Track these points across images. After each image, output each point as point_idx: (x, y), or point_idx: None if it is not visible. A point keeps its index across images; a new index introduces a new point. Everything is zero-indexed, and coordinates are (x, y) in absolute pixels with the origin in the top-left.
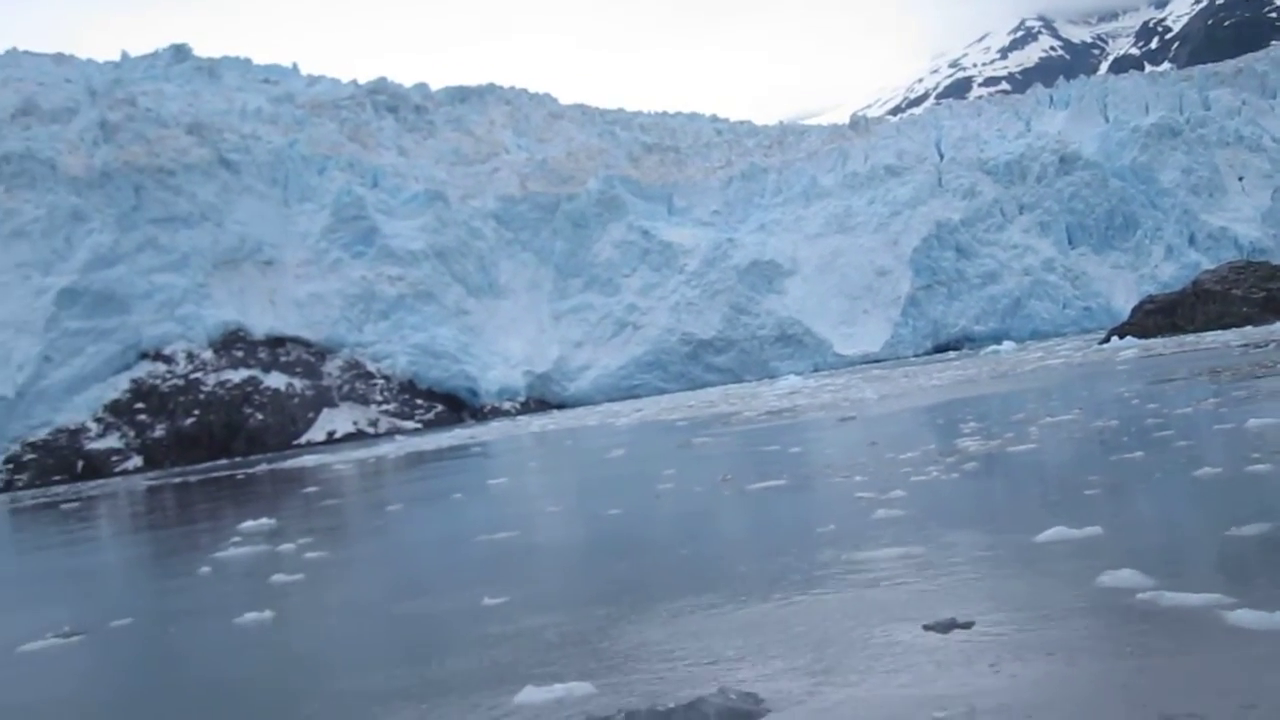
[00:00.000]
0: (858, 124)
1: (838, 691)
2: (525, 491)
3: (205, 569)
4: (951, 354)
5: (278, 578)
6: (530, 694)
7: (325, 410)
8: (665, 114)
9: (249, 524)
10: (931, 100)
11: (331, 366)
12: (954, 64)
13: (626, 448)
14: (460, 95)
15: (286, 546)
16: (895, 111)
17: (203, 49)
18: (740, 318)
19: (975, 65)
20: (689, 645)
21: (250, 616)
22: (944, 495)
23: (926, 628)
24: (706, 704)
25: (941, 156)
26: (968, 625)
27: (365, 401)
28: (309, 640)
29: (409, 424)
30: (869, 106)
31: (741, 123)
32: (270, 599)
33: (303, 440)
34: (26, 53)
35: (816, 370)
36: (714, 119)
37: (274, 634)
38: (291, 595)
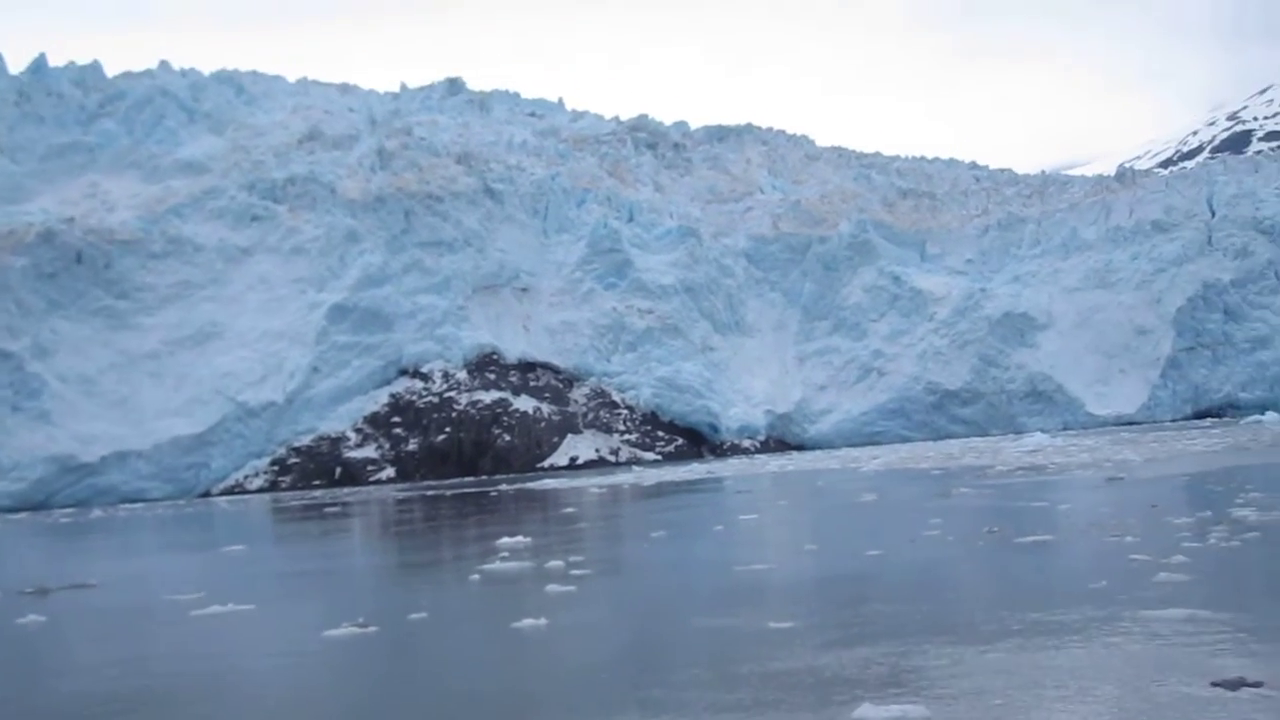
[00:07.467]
0: (1124, 176)
1: None
2: (779, 528)
3: (475, 577)
4: (1208, 421)
5: (551, 588)
6: (867, 711)
7: (569, 436)
8: (923, 159)
9: (507, 540)
10: (1205, 154)
11: (578, 393)
12: (1233, 116)
13: (877, 493)
14: (718, 134)
15: (555, 563)
16: (1166, 164)
17: (475, 82)
18: (989, 370)
19: (1256, 119)
20: (995, 683)
21: (527, 622)
22: (1228, 562)
23: (1214, 684)
24: None
25: (1213, 214)
26: (1257, 685)
27: (608, 430)
28: (599, 647)
29: (649, 455)
30: (1137, 158)
31: (1001, 170)
32: (544, 608)
33: (546, 463)
34: (315, 82)
35: (1066, 429)
36: (973, 166)
37: (553, 640)
38: (567, 606)
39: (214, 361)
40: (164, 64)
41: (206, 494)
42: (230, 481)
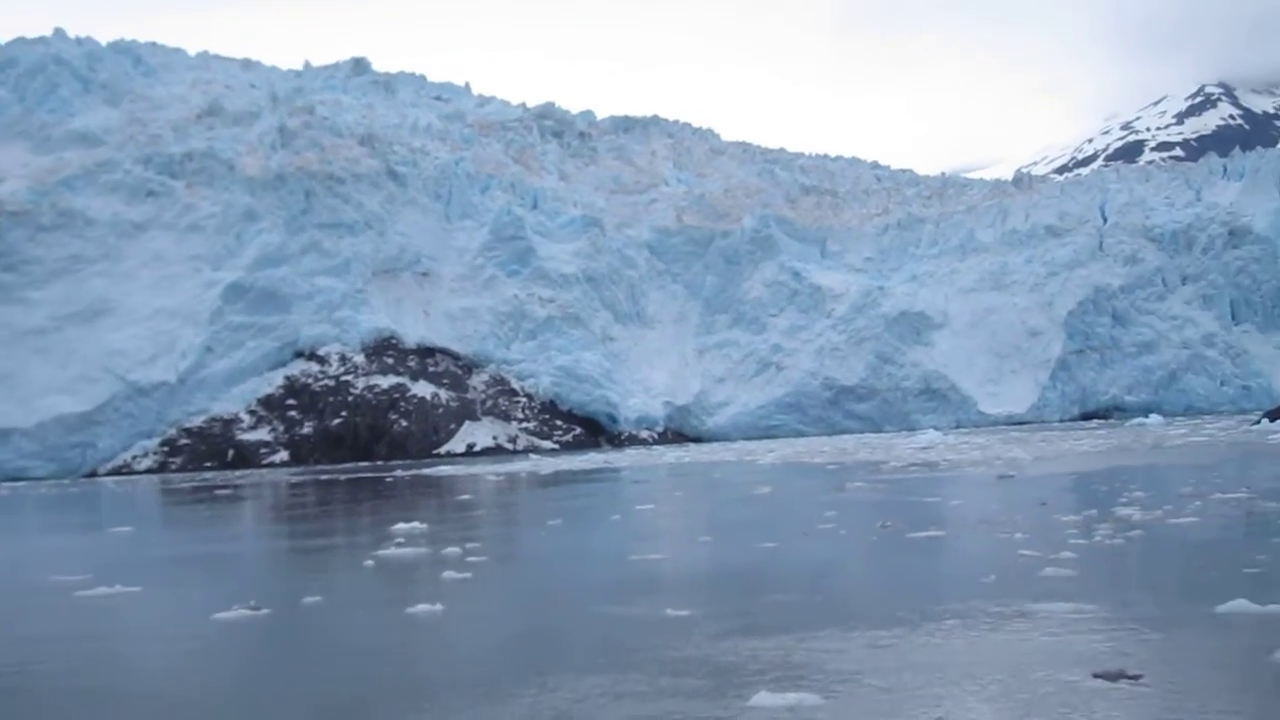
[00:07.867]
0: (1021, 181)
1: None
2: (675, 519)
3: (369, 563)
4: (1094, 423)
5: (447, 575)
6: (764, 698)
7: (467, 423)
8: (826, 157)
9: (402, 525)
10: (1100, 162)
11: (477, 380)
12: (1126, 126)
13: (772, 486)
14: (624, 125)
15: (451, 550)
16: (1061, 170)
17: (381, 63)
18: (885, 367)
19: (1149, 129)
20: (886, 672)
21: (422, 608)
22: (1113, 559)
23: (1096, 675)
24: None
25: (1105, 220)
26: (1136, 677)
27: (507, 418)
28: (495, 634)
29: (546, 444)
30: (1034, 164)
31: (903, 171)
32: (440, 594)
33: (443, 450)
34: (217, 57)
35: (958, 427)
36: (875, 165)
37: (448, 626)
38: (463, 593)
39: (104, 339)
40: (59, 31)
41: (93, 474)
42: (118, 462)
